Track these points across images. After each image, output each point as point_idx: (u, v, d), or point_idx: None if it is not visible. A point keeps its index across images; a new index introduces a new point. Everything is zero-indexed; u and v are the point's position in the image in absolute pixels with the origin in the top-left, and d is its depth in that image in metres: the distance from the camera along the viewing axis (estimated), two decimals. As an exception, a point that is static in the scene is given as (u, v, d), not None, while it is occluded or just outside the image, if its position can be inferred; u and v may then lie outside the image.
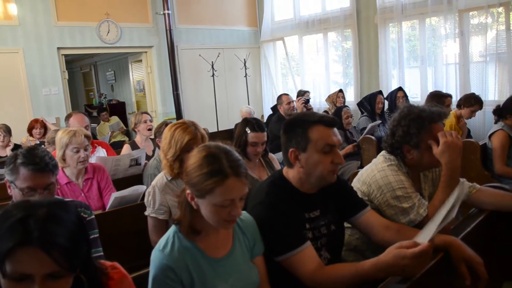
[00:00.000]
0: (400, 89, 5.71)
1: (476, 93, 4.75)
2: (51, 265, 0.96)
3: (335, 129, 1.71)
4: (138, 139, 4.18)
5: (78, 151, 2.79)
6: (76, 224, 1.03)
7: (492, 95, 5.70)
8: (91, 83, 11.76)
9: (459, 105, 4.53)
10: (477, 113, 5.50)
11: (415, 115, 1.92)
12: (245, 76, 8.16)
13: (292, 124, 1.73)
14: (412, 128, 1.91)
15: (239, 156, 1.44)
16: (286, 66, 8.54)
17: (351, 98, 7.16)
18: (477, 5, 5.60)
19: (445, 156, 1.85)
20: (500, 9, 5.50)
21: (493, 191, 2.06)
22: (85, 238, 1.07)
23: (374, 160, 2.09)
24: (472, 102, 4.43)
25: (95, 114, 10.75)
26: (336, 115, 4.75)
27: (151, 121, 4.19)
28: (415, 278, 1.38)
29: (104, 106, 9.84)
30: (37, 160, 1.82)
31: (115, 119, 7.93)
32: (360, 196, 1.95)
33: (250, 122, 2.83)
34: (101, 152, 3.88)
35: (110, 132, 7.14)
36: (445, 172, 1.87)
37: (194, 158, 1.41)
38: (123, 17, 6.87)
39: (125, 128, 7.59)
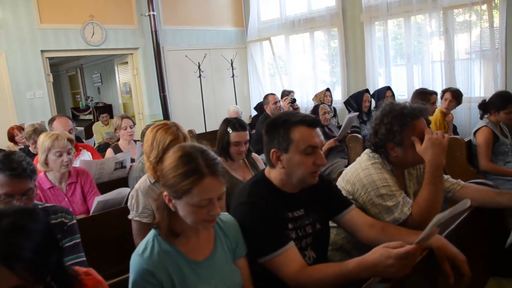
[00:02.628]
0: (388, 88, 5.72)
1: (462, 90, 4.79)
2: (15, 280, 0.92)
3: (318, 130, 1.68)
4: (121, 142, 4.13)
5: (61, 155, 2.75)
6: (44, 234, 0.99)
7: (477, 92, 5.74)
8: (77, 86, 11.68)
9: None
10: (463, 109, 5.58)
11: (397, 112, 1.92)
12: (232, 76, 8.13)
13: (274, 124, 1.70)
14: (395, 125, 1.90)
15: (216, 155, 1.41)
16: (273, 66, 8.53)
17: (338, 97, 7.17)
18: (461, 2, 5.64)
19: (428, 153, 1.84)
20: (484, 7, 5.53)
21: (477, 187, 2.06)
22: (55, 248, 1.02)
23: (358, 159, 2.08)
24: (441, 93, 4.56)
25: (82, 117, 10.69)
26: (313, 112, 4.74)
27: (131, 126, 4.11)
28: (399, 277, 1.37)
29: (91, 109, 9.75)
30: (14, 166, 1.78)
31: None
32: (345, 195, 1.94)
33: (231, 122, 2.80)
34: (86, 156, 3.83)
35: (95, 136, 7.02)
36: (429, 169, 1.86)
37: (169, 159, 1.39)
38: (108, 19, 6.80)
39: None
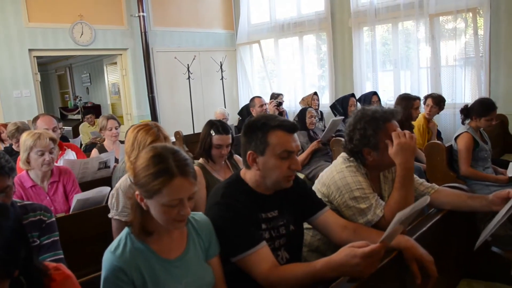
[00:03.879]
0: (375, 93, 5.78)
1: (447, 96, 4.85)
2: None
3: (295, 135, 1.71)
4: (106, 142, 4.13)
5: (42, 154, 2.75)
6: (13, 231, 1.01)
7: (462, 98, 5.81)
8: (66, 85, 11.64)
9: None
10: (447, 114, 5.66)
11: (369, 117, 1.96)
12: (222, 79, 8.14)
13: (252, 127, 1.72)
14: (368, 130, 1.94)
15: (187, 156, 1.44)
16: (262, 69, 8.56)
17: (326, 100, 7.22)
18: (447, 10, 5.72)
19: (398, 157, 1.88)
20: (469, 15, 5.62)
21: (450, 191, 2.11)
22: (25, 244, 1.04)
23: (334, 162, 2.12)
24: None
25: (70, 116, 10.64)
26: (300, 114, 4.78)
27: (117, 127, 4.09)
28: (367, 277, 1.40)
29: (79, 108, 9.71)
30: None
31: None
32: (320, 197, 1.97)
33: (214, 124, 2.83)
34: (70, 155, 3.83)
35: (81, 135, 6.98)
36: (399, 172, 1.90)
37: (141, 159, 1.41)
38: (97, 19, 6.80)
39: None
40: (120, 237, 1.44)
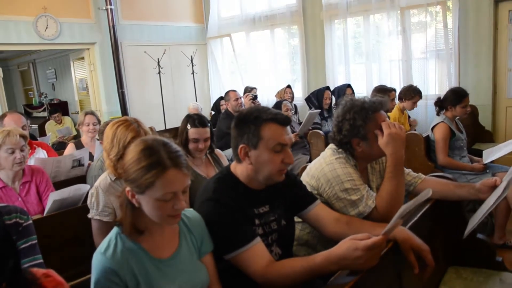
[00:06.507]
0: (348, 86, 5.81)
1: (418, 87, 4.92)
2: None
3: (288, 128, 1.67)
4: (84, 138, 4.00)
5: (13, 152, 2.61)
6: (0, 239, 0.92)
7: (433, 90, 5.92)
8: (30, 82, 11.21)
9: (400, 99, 4.70)
10: (420, 106, 5.75)
11: (358, 107, 1.94)
12: (192, 73, 8.02)
13: (244, 120, 1.66)
14: (358, 120, 1.92)
15: (178, 148, 1.38)
16: (233, 63, 8.47)
17: (298, 94, 7.22)
18: (417, 3, 5.80)
19: (389, 147, 1.88)
20: (438, 8, 5.72)
21: (436, 181, 2.12)
22: (11, 252, 0.95)
23: (322, 154, 2.09)
24: (412, 94, 4.62)
25: (35, 114, 10.27)
26: (276, 107, 4.76)
27: (95, 123, 3.96)
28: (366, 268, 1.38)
29: (45, 106, 9.37)
30: None
31: (67, 121, 7.50)
32: (309, 190, 1.94)
33: (191, 118, 2.73)
34: (41, 154, 3.67)
35: (49, 134, 6.74)
36: (390, 162, 1.90)
37: (131, 153, 1.34)
38: (63, 12, 6.53)
39: (75, 133, 7.12)
40: (110, 237, 1.37)
